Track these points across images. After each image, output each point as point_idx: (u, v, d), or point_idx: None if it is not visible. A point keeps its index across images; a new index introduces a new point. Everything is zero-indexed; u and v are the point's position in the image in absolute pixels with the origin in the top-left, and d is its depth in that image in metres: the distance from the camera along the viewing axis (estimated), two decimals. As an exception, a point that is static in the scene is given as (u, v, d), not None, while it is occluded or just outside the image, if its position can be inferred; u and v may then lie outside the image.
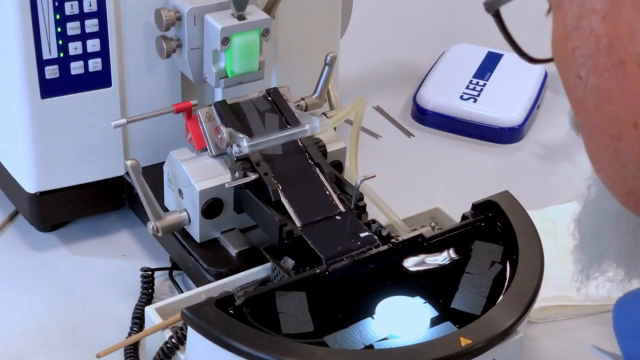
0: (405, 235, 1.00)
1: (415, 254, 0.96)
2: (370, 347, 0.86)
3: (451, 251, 0.97)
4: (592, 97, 0.53)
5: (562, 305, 1.05)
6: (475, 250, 0.96)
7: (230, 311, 0.87)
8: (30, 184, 1.09)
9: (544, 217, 1.09)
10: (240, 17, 1.02)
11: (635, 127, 0.51)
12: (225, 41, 1.01)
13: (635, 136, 0.51)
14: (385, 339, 0.87)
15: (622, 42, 0.50)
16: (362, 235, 0.96)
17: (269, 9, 1.08)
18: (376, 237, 0.96)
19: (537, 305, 0.93)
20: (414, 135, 1.37)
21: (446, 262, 0.96)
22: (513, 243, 0.96)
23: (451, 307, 0.90)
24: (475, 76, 1.43)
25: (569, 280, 1.08)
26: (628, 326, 0.55)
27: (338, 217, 0.98)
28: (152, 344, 0.95)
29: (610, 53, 0.50)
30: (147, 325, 0.96)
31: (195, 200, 1.01)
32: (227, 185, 1.00)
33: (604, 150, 0.54)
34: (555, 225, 1.09)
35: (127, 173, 1.03)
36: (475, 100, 1.38)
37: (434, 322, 0.89)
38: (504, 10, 0.59)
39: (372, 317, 0.89)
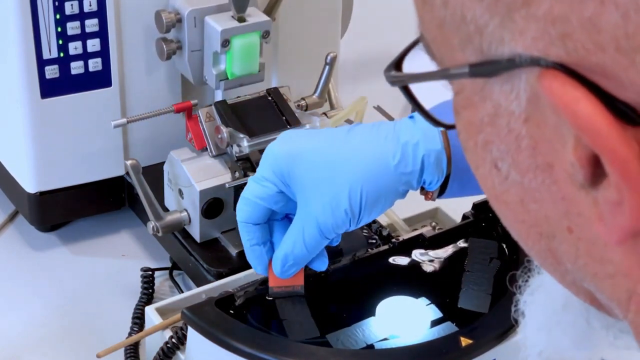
0: (405, 235, 1.00)
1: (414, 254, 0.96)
2: (372, 346, 0.86)
3: (450, 250, 0.97)
4: (514, 192, 0.44)
5: None
6: (471, 247, 0.96)
7: (230, 311, 0.87)
8: (30, 184, 1.09)
9: None
10: (241, 19, 1.02)
11: (570, 232, 0.43)
12: (226, 43, 1.01)
13: (571, 240, 0.43)
14: (385, 339, 0.87)
15: (550, 146, 0.41)
16: (362, 235, 0.96)
17: (269, 10, 1.08)
18: (376, 237, 0.96)
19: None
20: (414, 135, 1.37)
21: (445, 262, 0.96)
22: (513, 243, 0.96)
23: (458, 306, 0.90)
24: (475, 76, 1.43)
25: None
26: None
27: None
28: (152, 344, 0.95)
29: (535, 155, 0.42)
30: (147, 325, 0.96)
31: (195, 200, 1.01)
32: (227, 185, 1.00)
33: (532, 245, 0.46)
34: None
35: (127, 173, 1.03)
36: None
37: (436, 322, 0.89)
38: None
39: (374, 317, 0.89)
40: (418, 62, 0.51)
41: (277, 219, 0.90)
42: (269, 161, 0.86)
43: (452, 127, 0.48)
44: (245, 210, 0.88)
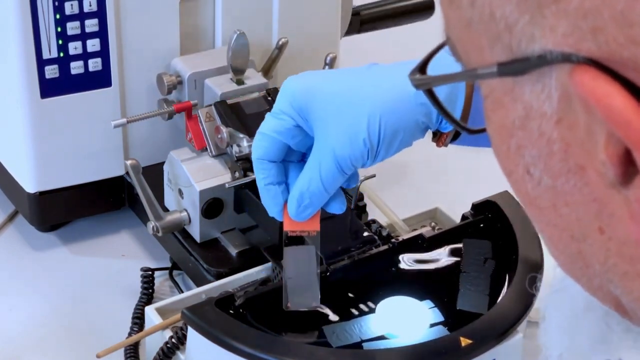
0: (405, 235, 1.00)
1: (414, 254, 0.96)
2: (369, 340, 0.86)
3: (449, 250, 0.97)
4: (547, 197, 0.44)
5: None
6: (465, 248, 0.97)
7: (230, 311, 0.87)
8: (30, 184, 1.09)
9: None
10: (239, 82, 1.05)
11: (601, 233, 0.43)
12: None
13: (602, 241, 0.43)
14: (382, 337, 0.87)
15: (581, 147, 0.41)
16: (362, 235, 0.96)
17: (267, 70, 1.11)
18: (376, 237, 0.96)
19: (537, 305, 0.92)
20: (414, 135, 1.37)
21: (443, 261, 0.96)
22: (513, 243, 0.96)
23: (457, 308, 0.90)
24: (475, 76, 1.43)
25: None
26: None
27: (338, 217, 0.98)
28: (152, 344, 0.95)
29: (566, 158, 0.42)
30: (147, 325, 0.96)
31: (195, 200, 1.01)
32: (227, 185, 1.00)
33: (563, 249, 0.46)
34: None
35: (127, 173, 1.03)
36: (475, 100, 1.38)
37: (436, 323, 0.89)
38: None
39: (373, 315, 0.89)
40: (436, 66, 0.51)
41: (293, 160, 0.87)
42: (286, 95, 0.84)
43: (478, 131, 0.49)
44: (262, 145, 0.85)
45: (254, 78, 1.07)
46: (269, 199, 0.87)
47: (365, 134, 0.81)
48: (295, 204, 0.85)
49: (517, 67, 0.41)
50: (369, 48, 1.54)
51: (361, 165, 0.83)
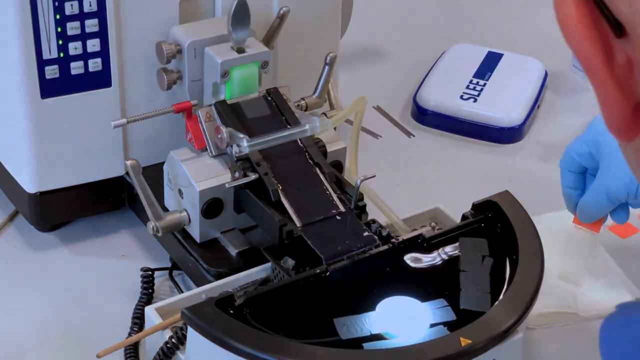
0: (405, 235, 1.00)
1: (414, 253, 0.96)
2: (376, 337, 0.86)
3: (448, 250, 0.97)
4: None
5: (560, 312, 1.05)
6: (462, 247, 0.96)
7: (230, 311, 0.87)
8: (30, 184, 1.09)
9: (541, 225, 1.08)
10: (240, 50, 1.04)
11: None
12: (225, 74, 1.03)
13: None
14: (383, 338, 0.87)
15: None
16: (362, 235, 0.96)
17: (268, 40, 1.10)
18: (376, 237, 0.96)
19: (535, 311, 0.92)
20: (414, 135, 1.37)
21: (441, 261, 0.96)
22: (513, 243, 0.96)
23: (461, 307, 0.90)
24: (475, 76, 1.43)
25: (566, 289, 1.08)
26: (613, 349, 0.54)
27: (338, 217, 0.98)
28: (152, 344, 0.95)
29: None
30: (147, 325, 0.96)
31: (195, 200, 1.01)
32: (227, 185, 1.00)
33: None
34: (552, 233, 1.09)
35: (127, 173, 1.03)
36: (475, 100, 1.38)
37: (443, 322, 0.89)
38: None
39: (375, 312, 0.89)
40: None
41: (593, 174, 1.06)
42: (591, 128, 1.05)
43: None
44: (565, 158, 1.08)
45: (254, 47, 1.05)
46: (566, 199, 1.09)
47: (628, 179, 1.00)
48: (580, 211, 1.07)
49: None
50: (369, 48, 1.55)
51: (625, 201, 1.02)
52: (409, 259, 0.96)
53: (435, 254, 0.96)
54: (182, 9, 1.07)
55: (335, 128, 1.09)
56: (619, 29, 0.44)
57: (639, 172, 0.50)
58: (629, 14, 0.43)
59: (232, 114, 1.03)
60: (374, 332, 0.87)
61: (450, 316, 0.90)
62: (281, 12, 1.10)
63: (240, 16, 1.02)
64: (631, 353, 0.59)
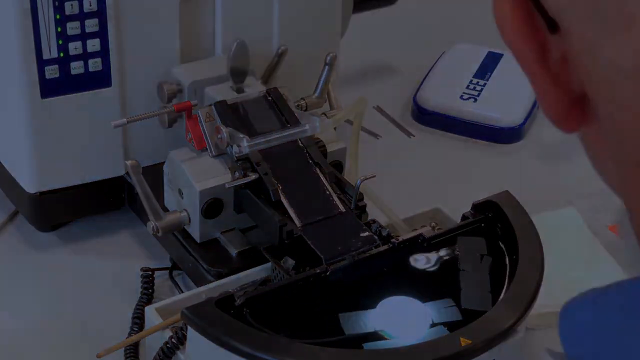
0: (405, 235, 1.00)
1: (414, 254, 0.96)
2: (377, 336, 0.86)
3: (447, 251, 0.97)
4: None
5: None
6: (460, 246, 0.96)
7: (231, 311, 0.87)
8: (30, 184, 1.09)
9: (540, 224, 1.08)
10: (239, 90, 1.06)
11: None
12: None
13: None
14: (383, 338, 0.87)
15: None
16: (362, 235, 0.96)
17: (267, 79, 1.11)
18: (376, 237, 0.96)
19: (535, 311, 0.92)
20: (414, 135, 1.37)
21: (441, 261, 0.96)
22: (513, 243, 0.96)
23: (462, 307, 0.90)
24: (475, 76, 1.43)
25: (566, 289, 1.08)
26: (572, 333, 0.54)
27: (338, 217, 0.98)
28: (152, 344, 0.95)
29: None
30: (147, 325, 0.96)
31: (195, 200, 1.01)
32: (227, 185, 1.00)
33: None
34: (552, 233, 1.09)
35: (127, 173, 1.03)
36: (475, 100, 1.38)
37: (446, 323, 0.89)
38: None
39: (375, 310, 0.90)
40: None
41: None
42: None
43: None
44: None
45: (253, 86, 1.07)
46: None
47: None
48: None
49: None
50: (369, 48, 1.55)
51: None
52: (411, 260, 0.96)
53: (434, 254, 0.96)
54: (182, 41, 1.08)
55: (335, 128, 1.09)
56: (552, 26, 0.45)
57: (593, 163, 0.51)
58: (560, 10, 0.44)
59: (232, 114, 1.03)
60: (378, 329, 0.87)
61: (457, 316, 0.90)
62: (280, 50, 1.11)
63: (240, 57, 1.04)
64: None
